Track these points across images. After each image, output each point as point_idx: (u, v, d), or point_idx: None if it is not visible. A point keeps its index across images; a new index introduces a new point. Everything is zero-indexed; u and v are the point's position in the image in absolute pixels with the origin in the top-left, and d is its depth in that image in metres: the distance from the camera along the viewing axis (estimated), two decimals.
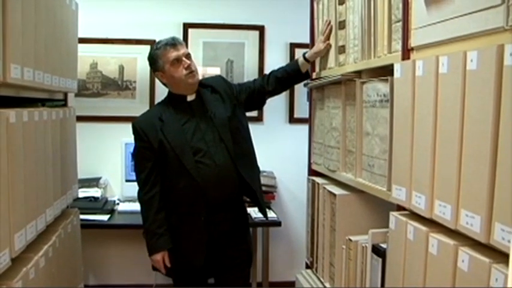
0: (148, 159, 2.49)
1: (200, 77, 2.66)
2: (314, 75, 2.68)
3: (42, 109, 1.98)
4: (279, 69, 2.77)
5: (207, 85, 2.63)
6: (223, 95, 2.61)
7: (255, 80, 2.84)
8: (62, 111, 2.30)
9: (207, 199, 2.46)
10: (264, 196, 2.78)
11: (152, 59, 2.54)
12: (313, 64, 2.70)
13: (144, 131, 2.50)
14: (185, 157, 2.44)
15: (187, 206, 2.49)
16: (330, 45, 2.44)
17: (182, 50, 2.49)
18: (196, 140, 2.48)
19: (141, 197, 2.54)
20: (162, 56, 2.48)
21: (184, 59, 2.48)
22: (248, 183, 2.54)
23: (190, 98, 2.56)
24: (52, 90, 2.25)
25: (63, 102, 2.65)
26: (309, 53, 2.62)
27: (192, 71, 2.50)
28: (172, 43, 2.48)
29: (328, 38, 2.44)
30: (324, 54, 2.52)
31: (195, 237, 2.49)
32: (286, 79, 2.74)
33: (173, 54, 2.46)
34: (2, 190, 1.51)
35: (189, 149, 2.45)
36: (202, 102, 2.56)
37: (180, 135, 2.47)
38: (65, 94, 2.65)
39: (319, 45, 2.51)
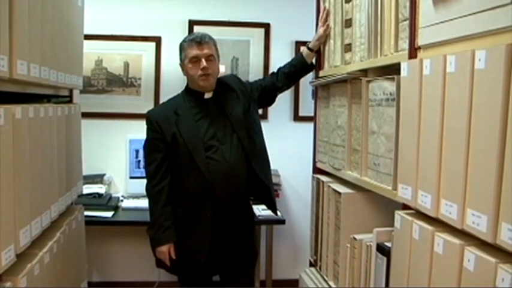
0: (159, 151, 2.50)
1: None
2: (320, 73, 2.67)
3: (47, 105, 1.98)
4: (285, 65, 2.83)
5: (223, 83, 2.64)
6: (238, 93, 2.63)
7: (264, 78, 2.94)
8: (67, 107, 2.30)
9: (215, 196, 2.47)
10: (273, 190, 2.80)
11: (179, 49, 2.58)
12: (319, 62, 2.70)
13: (159, 122, 2.51)
14: (197, 152, 2.45)
15: (194, 202, 2.49)
16: (328, 26, 2.53)
17: (205, 50, 2.49)
18: (209, 136, 2.49)
19: (149, 190, 2.54)
20: (185, 50, 2.51)
21: (203, 60, 2.47)
22: (262, 180, 2.56)
23: (207, 95, 2.57)
24: (57, 86, 2.25)
25: (69, 99, 2.65)
26: (312, 42, 2.69)
27: (206, 74, 2.49)
28: (198, 40, 2.48)
29: (325, 21, 2.54)
30: (326, 40, 2.59)
31: (200, 233, 2.49)
32: (294, 73, 2.79)
33: (194, 52, 2.47)
34: (8, 186, 1.51)
35: (201, 145, 2.46)
36: (219, 101, 2.57)
37: (194, 130, 2.48)
38: (70, 90, 2.65)
39: (319, 31, 2.60)
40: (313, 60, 2.76)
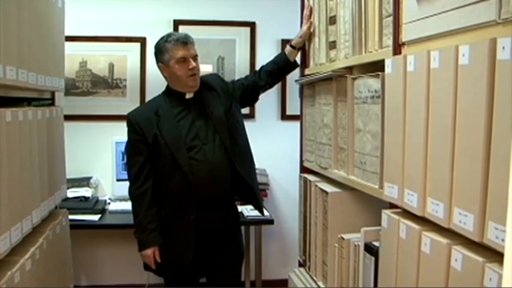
0: (141, 153, 2.47)
1: None
2: (306, 72, 2.65)
3: (27, 109, 1.94)
4: (268, 63, 2.82)
5: (204, 83, 2.60)
6: (220, 92, 2.60)
7: (246, 76, 2.88)
8: (48, 110, 2.25)
9: (199, 197, 2.44)
10: (260, 193, 2.78)
11: (159, 50, 2.51)
12: (304, 60, 2.68)
13: (140, 124, 2.47)
14: (179, 153, 2.42)
15: (178, 203, 2.47)
16: (312, 23, 2.53)
17: (191, 51, 2.47)
18: (191, 136, 2.46)
19: (132, 192, 2.51)
20: (170, 51, 2.45)
21: (191, 60, 2.45)
22: (246, 181, 2.53)
23: (188, 95, 2.54)
24: (38, 89, 2.20)
25: (51, 101, 2.61)
26: (294, 39, 2.68)
27: (194, 74, 2.48)
28: (184, 41, 2.45)
29: (309, 18, 2.55)
30: (310, 37, 2.58)
31: (184, 235, 2.47)
32: (276, 71, 2.78)
33: (181, 52, 2.44)
34: None
35: (183, 145, 2.43)
36: (200, 100, 2.54)
37: (175, 131, 2.45)
38: (52, 93, 2.61)
39: (302, 28, 2.61)
40: (297, 58, 2.74)
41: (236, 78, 3.87)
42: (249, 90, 2.74)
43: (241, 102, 2.74)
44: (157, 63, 2.55)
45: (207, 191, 2.45)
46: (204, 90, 2.57)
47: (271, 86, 2.87)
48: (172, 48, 2.45)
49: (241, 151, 2.56)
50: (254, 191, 2.61)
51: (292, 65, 2.76)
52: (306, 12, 2.56)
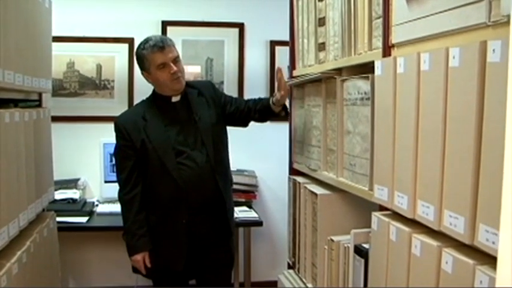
0: (130, 158, 2.45)
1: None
2: (294, 73, 2.64)
3: (13, 110, 1.91)
4: (259, 102, 2.64)
5: (194, 87, 2.57)
6: (208, 100, 2.56)
7: (248, 100, 2.72)
8: (35, 112, 2.23)
9: (189, 201, 2.43)
10: (233, 211, 2.72)
11: (139, 58, 2.46)
12: (293, 62, 2.67)
13: (127, 129, 2.45)
14: (167, 158, 2.40)
15: (168, 208, 2.45)
16: (289, 88, 2.46)
17: (170, 54, 2.40)
18: (179, 141, 2.44)
19: (121, 197, 2.49)
20: (148, 58, 2.40)
21: (171, 64, 2.39)
22: (221, 192, 2.50)
23: (175, 99, 2.51)
24: (24, 90, 2.18)
25: (38, 103, 2.58)
26: (274, 96, 2.52)
27: (178, 77, 2.42)
28: (161, 46, 2.38)
29: (281, 84, 2.41)
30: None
31: (176, 240, 2.45)
32: (264, 113, 2.62)
33: (160, 58, 2.38)
34: None
35: (171, 150, 2.41)
36: (187, 104, 2.52)
37: (163, 135, 2.43)
38: (40, 94, 2.57)
39: (278, 94, 2.45)
40: (283, 110, 2.58)
41: (225, 79, 3.89)
42: (243, 113, 2.63)
43: (230, 118, 2.64)
44: (140, 71, 2.50)
45: (197, 195, 2.44)
46: (193, 94, 2.54)
47: (262, 122, 2.71)
48: (150, 55, 2.39)
49: (222, 162, 2.54)
50: (225, 204, 2.55)
51: (277, 115, 2.56)
52: (278, 77, 2.42)
